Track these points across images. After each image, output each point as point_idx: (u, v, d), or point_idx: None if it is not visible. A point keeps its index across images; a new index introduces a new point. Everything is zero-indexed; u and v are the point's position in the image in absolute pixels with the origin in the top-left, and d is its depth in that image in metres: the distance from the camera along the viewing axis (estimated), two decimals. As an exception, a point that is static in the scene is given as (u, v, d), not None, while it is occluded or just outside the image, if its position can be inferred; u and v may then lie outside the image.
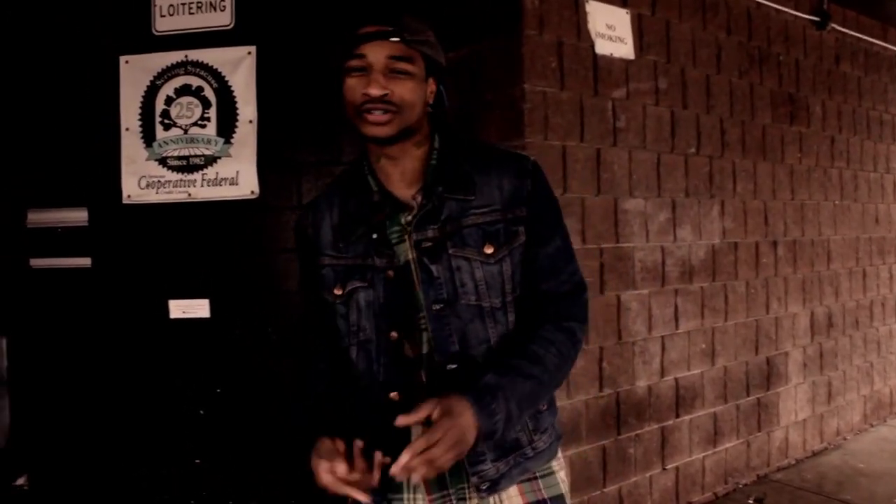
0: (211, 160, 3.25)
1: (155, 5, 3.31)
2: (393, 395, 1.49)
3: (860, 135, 5.11)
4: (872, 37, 5.17)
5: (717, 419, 3.97)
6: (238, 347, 3.22)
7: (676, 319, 3.73)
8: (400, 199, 1.53)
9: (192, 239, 3.26)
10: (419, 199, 1.52)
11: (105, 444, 3.28)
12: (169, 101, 3.29)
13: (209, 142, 3.25)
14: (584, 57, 3.34)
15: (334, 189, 1.64)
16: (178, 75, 3.30)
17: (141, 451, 3.25)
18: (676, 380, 3.73)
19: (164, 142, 3.27)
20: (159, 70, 3.31)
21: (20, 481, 3.37)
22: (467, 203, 1.51)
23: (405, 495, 1.54)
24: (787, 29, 4.46)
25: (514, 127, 3.11)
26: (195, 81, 3.29)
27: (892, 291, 5.45)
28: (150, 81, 3.31)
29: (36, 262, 3.40)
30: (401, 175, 1.55)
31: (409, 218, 1.51)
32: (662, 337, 3.65)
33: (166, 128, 3.29)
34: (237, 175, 3.24)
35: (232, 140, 3.24)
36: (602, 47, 3.40)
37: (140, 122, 3.29)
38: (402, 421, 1.31)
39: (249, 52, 3.25)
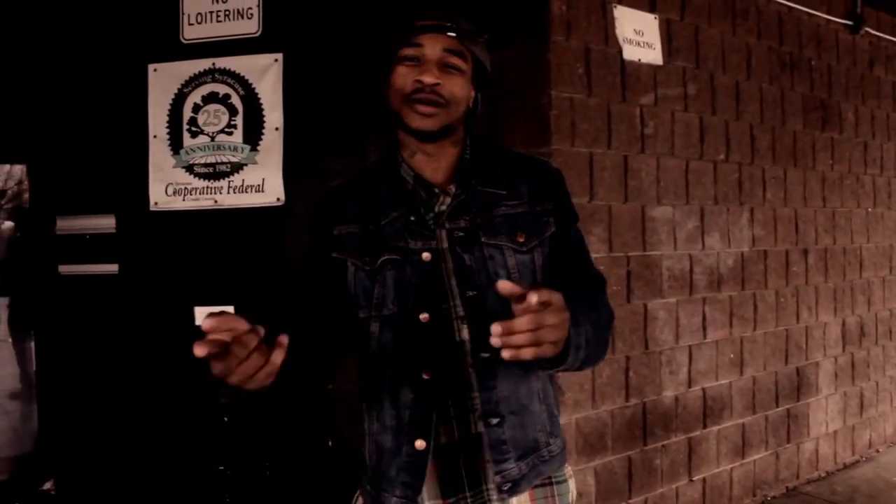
0: (237, 167, 3.25)
1: (183, 13, 3.33)
2: (425, 375, 1.46)
3: (894, 141, 5.03)
4: (907, 41, 5.09)
5: (746, 430, 3.92)
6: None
7: (704, 328, 3.68)
8: (437, 187, 1.54)
9: (217, 246, 3.26)
10: (453, 189, 1.53)
11: (131, 450, 3.30)
12: (196, 108, 3.30)
13: (236, 149, 3.26)
14: (612, 63, 3.31)
15: (361, 178, 1.63)
16: (205, 83, 3.31)
17: (166, 456, 3.26)
18: (704, 390, 3.69)
19: (191, 149, 3.29)
20: (187, 78, 3.32)
21: (47, 486, 3.41)
22: (498, 196, 1.54)
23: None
24: (818, 33, 4.40)
25: (540, 133, 3.09)
26: (222, 89, 3.30)
27: (926, 300, 5.35)
28: (178, 89, 3.33)
29: (64, 269, 3.43)
30: (433, 170, 1.56)
31: (444, 207, 1.51)
32: (690, 346, 3.61)
33: (193, 135, 3.30)
34: (263, 182, 3.24)
35: (258, 147, 3.25)
36: (630, 53, 3.37)
37: (167, 130, 3.31)
38: (533, 299, 1.11)
39: (276, 60, 3.25)
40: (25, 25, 3.46)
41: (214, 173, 3.27)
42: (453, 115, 1.51)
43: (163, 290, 3.29)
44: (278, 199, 3.22)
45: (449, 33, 1.49)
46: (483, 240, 1.50)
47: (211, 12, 3.33)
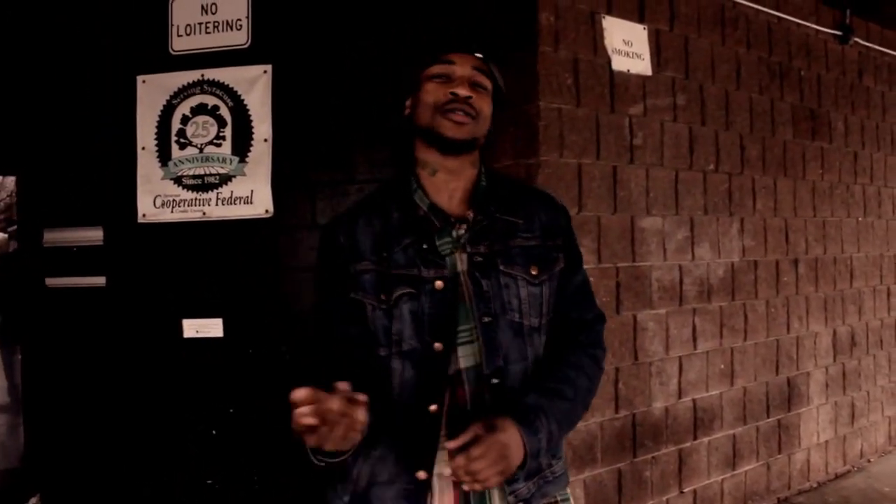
0: (226, 179, 3.25)
1: (172, 25, 3.33)
2: (433, 407, 1.48)
3: (884, 150, 5.04)
4: (896, 51, 5.11)
5: (736, 441, 3.91)
6: (251, 367, 3.21)
7: (694, 339, 3.68)
8: (450, 214, 1.57)
9: (206, 258, 3.25)
10: (471, 215, 1.56)
11: (117, 464, 3.28)
12: (185, 120, 3.30)
13: (224, 161, 3.25)
14: (601, 73, 3.31)
15: (371, 203, 1.64)
16: (194, 94, 3.31)
17: (153, 470, 3.25)
18: (694, 401, 3.68)
19: (180, 161, 3.28)
20: (176, 89, 3.32)
21: (33, 501, 3.38)
22: (515, 225, 1.59)
23: None
24: (808, 43, 4.41)
25: (528, 144, 3.09)
26: (211, 100, 3.29)
27: (917, 310, 5.36)
28: (167, 101, 3.32)
29: (51, 282, 3.41)
30: (451, 193, 1.60)
31: (463, 232, 1.55)
32: (680, 357, 3.60)
33: (182, 147, 3.29)
34: (252, 194, 3.23)
35: (247, 159, 3.24)
36: (619, 63, 3.37)
37: (156, 142, 3.30)
38: (452, 445, 1.33)
39: (265, 71, 3.25)
40: (15, 37, 3.46)
41: (203, 185, 3.26)
42: (481, 129, 1.58)
43: (151, 302, 3.28)
44: (267, 211, 3.21)
45: (477, 53, 1.57)
46: (501, 268, 1.54)
47: (200, 24, 3.32)
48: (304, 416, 1.15)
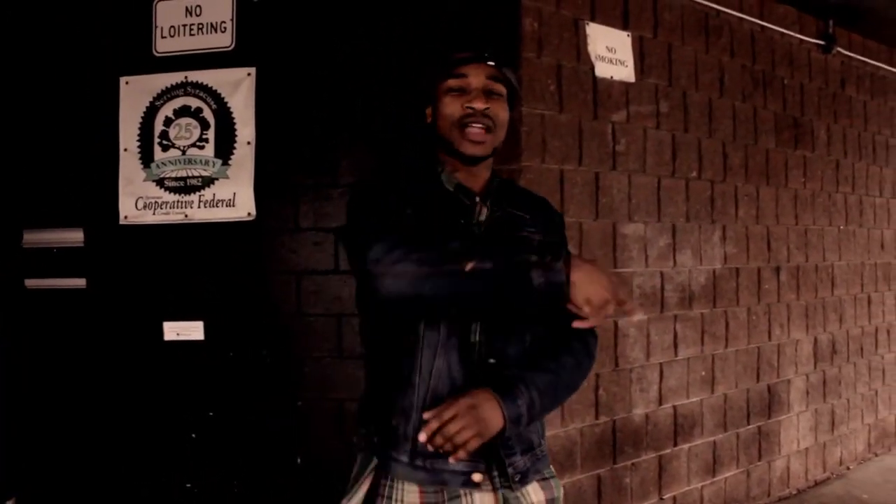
0: (208, 181, 3.23)
1: (156, 27, 3.31)
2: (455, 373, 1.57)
3: (866, 159, 5.08)
4: (879, 61, 5.15)
5: (717, 448, 3.92)
6: (232, 370, 3.20)
7: (675, 346, 3.69)
8: (476, 195, 1.68)
9: (188, 261, 3.24)
10: (488, 206, 1.69)
11: (96, 467, 3.26)
12: (168, 122, 3.28)
13: (207, 163, 3.24)
14: (584, 80, 3.33)
15: (397, 180, 1.71)
16: (177, 96, 3.29)
17: (132, 474, 3.23)
18: (675, 407, 3.69)
19: (162, 163, 3.26)
20: (159, 91, 3.30)
21: (9, 503, 3.35)
22: (523, 219, 1.72)
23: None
24: (791, 52, 4.44)
25: (510, 150, 3.08)
26: (194, 102, 3.28)
27: (897, 318, 5.40)
28: (150, 102, 3.30)
29: (31, 283, 3.39)
30: (471, 186, 1.70)
31: (482, 217, 1.67)
32: (661, 364, 3.62)
33: (165, 149, 3.28)
34: (234, 197, 3.22)
35: (230, 162, 3.23)
36: (602, 70, 3.39)
37: (139, 143, 3.28)
38: (428, 415, 1.45)
39: (249, 74, 3.24)
40: (-5, 37, 3.44)
41: (185, 187, 3.25)
42: (499, 139, 1.69)
43: (131, 305, 3.26)
44: (249, 214, 3.19)
45: (489, 62, 1.64)
46: None
47: (184, 25, 3.31)
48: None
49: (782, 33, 4.34)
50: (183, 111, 3.28)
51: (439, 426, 1.42)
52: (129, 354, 3.24)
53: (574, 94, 3.28)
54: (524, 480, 1.61)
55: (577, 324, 1.45)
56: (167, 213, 3.25)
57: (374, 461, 1.62)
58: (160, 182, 3.26)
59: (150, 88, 3.31)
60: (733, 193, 4.04)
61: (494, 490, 1.57)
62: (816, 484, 4.59)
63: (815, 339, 4.62)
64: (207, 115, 3.26)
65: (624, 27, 3.49)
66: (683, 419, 3.74)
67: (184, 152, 3.26)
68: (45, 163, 3.38)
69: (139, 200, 3.26)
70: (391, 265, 1.42)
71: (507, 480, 1.57)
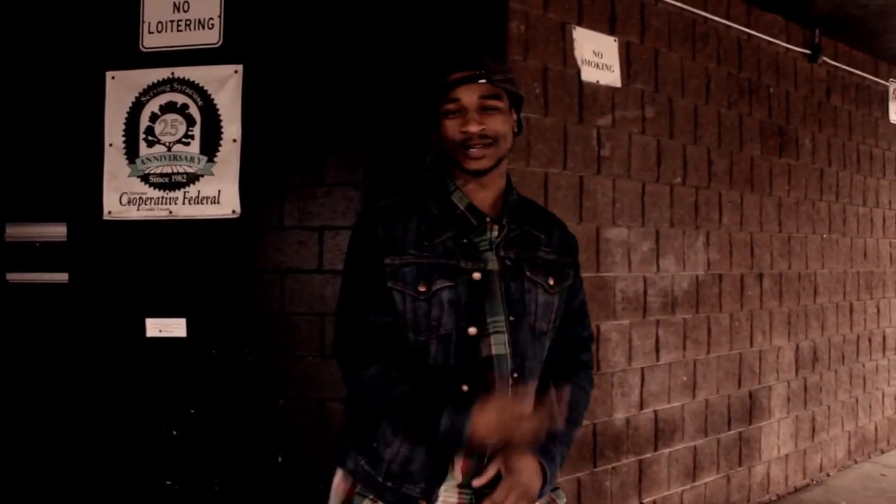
0: (193, 178, 3.23)
1: (143, 22, 3.30)
2: (465, 387, 1.64)
3: (850, 168, 5.12)
4: (864, 71, 5.19)
5: (697, 453, 3.94)
6: (214, 368, 3.19)
7: (657, 351, 3.71)
8: (487, 216, 1.74)
9: (171, 257, 3.23)
10: (504, 222, 1.75)
11: (76, 464, 3.24)
12: (154, 117, 3.27)
13: (192, 160, 3.23)
14: (570, 84, 3.34)
15: (409, 199, 1.79)
16: (163, 92, 3.28)
17: (113, 471, 3.21)
18: (655, 412, 3.70)
19: (147, 158, 3.25)
20: (145, 86, 3.29)
21: (-12, 498, 3.34)
22: (538, 239, 1.79)
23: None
24: (777, 61, 4.47)
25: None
26: (180, 99, 3.27)
27: (878, 326, 5.43)
28: (136, 98, 3.29)
29: (13, 277, 3.37)
30: (483, 199, 1.76)
31: (496, 234, 1.73)
32: (642, 368, 3.63)
33: (150, 144, 3.26)
34: (219, 194, 3.21)
35: (215, 159, 3.22)
36: (588, 74, 3.40)
37: (124, 139, 3.27)
38: (477, 483, 1.61)
39: (236, 71, 3.23)
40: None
41: (170, 184, 3.24)
42: (502, 150, 1.73)
43: (114, 300, 3.24)
44: (234, 212, 3.19)
45: (480, 80, 1.67)
46: (527, 274, 1.73)
47: (171, 21, 3.30)
48: None
49: (769, 42, 4.37)
50: (169, 107, 3.27)
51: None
52: (111, 350, 3.22)
53: (560, 98, 3.29)
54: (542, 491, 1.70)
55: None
56: (151, 209, 3.24)
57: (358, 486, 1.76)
58: (145, 178, 3.25)
59: (137, 84, 3.29)
60: (717, 200, 4.06)
61: None
62: (796, 490, 4.62)
63: (797, 346, 4.64)
64: (193, 111, 3.25)
65: (611, 32, 3.51)
66: (664, 424, 3.75)
67: (169, 148, 3.25)
68: (29, 156, 3.36)
69: (123, 196, 3.25)
70: (366, 377, 1.66)
71: None
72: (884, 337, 5.49)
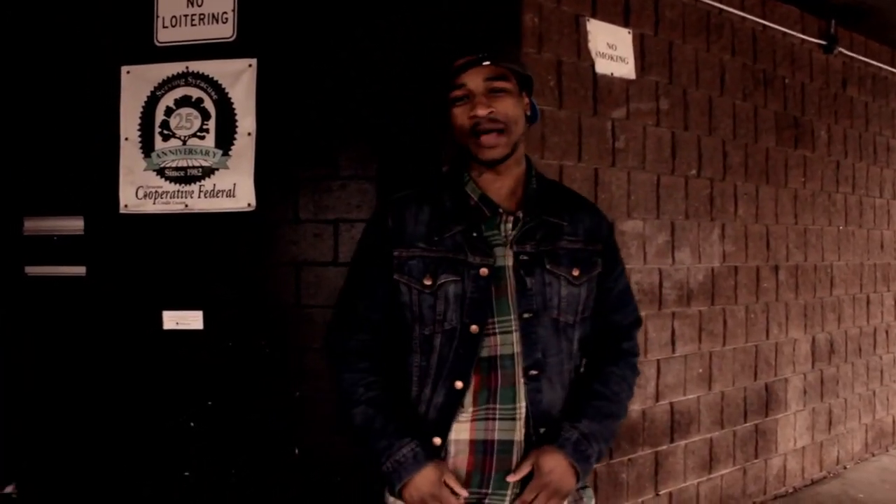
0: (209, 172, 3.24)
1: (158, 17, 3.32)
2: (458, 384, 1.64)
3: (866, 160, 5.08)
4: (881, 62, 5.15)
5: (713, 445, 3.93)
6: (231, 360, 3.20)
7: (673, 343, 3.70)
8: (501, 207, 1.71)
9: (187, 250, 3.24)
10: (521, 214, 1.71)
11: (95, 455, 3.27)
12: (169, 111, 3.29)
13: (207, 153, 3.24)
14: (584, 76, 3.33)
15: (425, 191, 1.78)
16: (178, 86, 3.30)
17: (131, 462, 3.23)
18: (672, 404, 3.70)
19: (163, 152, 3.27)
20: (160, 81, 3.30)
21: (9, 489, 3.36)
22: (560, 228, 1.73)
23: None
24: (793, 52, 4.44)
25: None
26: (195, 93, 3.28)
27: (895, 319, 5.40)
28: (151, 92, 3.31)
29: (31, 270, 3.40)
30: (498, 189, 1.74)
31: (511, 228, 1.70)
32: (658, 360, 3.62)
33: (165, 138, 3.28)
34: (234, 187, 3.23)
35: (230, 152, 3.23)
36: (602, 67, 3.39)
37: (139, 133, 3.29)
38: (511, 478, 1.62)
39: (250, 65, 3.24)
40: (-3, 25, 3.44)
41: (185, 177, 3.25)
42: (514, 136, 1.69)
43: (131, 293, 3.26)
44: (249, 205, 3.20)
45: (484, 62, 1.65)
46: (547, 266, 1.69)
47: (185, 16, 3.31)
48: None
49: (784, 33, 4.34)
50: (184, 101, 3.29)
51: None
52: (128, 343, 3.24)
53: (574, 90, 3.28)
54: None
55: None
56: (167, 203, 3.25)
57: None
58: (160, 171, 3.26)
59: (152, 78, 3.31)
60: (733, 192, 4.04)
61: None
62: (813, 483, 4.60)
63: (813, 339, 4.62)
64: (208, 105, 3.26)
65: (625, 24, 3.49)
66: (680, 416, 3.74)
67: (184, 142, 3.26)
68: (47, 151, 3.38)
69: (139, 189, 3.27)
70: (341, 378, 1.80)
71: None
72: (901, 329, 5.46)
